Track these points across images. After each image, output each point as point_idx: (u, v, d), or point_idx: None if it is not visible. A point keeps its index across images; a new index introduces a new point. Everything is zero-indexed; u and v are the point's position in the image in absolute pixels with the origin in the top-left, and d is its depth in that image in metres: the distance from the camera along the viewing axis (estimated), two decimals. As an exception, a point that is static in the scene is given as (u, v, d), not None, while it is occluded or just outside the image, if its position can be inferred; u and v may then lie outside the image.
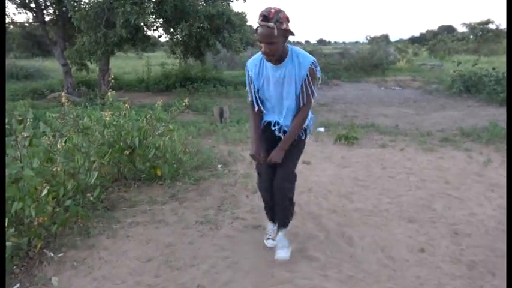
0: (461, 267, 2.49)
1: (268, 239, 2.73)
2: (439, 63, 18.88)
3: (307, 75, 2.25)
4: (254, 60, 2.40)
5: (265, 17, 2.06)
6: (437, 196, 3.63)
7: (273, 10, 2.07)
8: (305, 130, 2.52)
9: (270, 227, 2.76)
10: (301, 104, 2.35)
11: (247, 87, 2.49)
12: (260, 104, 2.48)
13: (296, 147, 2.48)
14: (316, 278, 2.38)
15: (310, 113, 2.52)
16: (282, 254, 2.56)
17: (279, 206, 2.57)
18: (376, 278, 2.39)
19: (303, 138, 2.53)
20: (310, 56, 2.30)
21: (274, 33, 2.07)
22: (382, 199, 3.57)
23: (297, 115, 2.38)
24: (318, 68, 2.31)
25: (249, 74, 2.43)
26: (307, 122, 2.50)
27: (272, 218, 2.73)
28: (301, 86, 2.28)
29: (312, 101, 2.38)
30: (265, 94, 2.44)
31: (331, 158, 4.90)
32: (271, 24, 2.05)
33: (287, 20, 2.13)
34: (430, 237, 2.87)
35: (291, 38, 2.33)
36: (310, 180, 4.07)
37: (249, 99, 2.51)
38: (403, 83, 13.36)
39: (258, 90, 2.45)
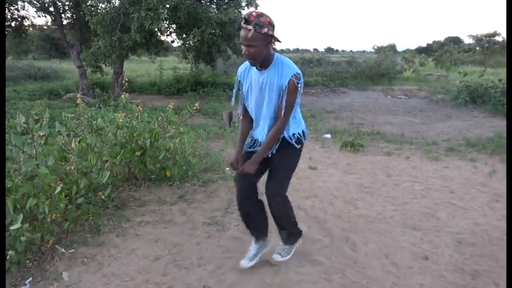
0: (465, 276, 2.50)
1: (245, 257, 2.56)
2: (445, 74, 18.87)
3: (285, 87, 2.17)
4: (243, 66, 2.39)
5: (245, 19, 2.06)
6: (442, 205, 3.65)
7: (254, 13, 2.06)
8: (299, 141, 2.39)
9: (252, 244, 2.61)
10: (280, 115, 2.24)
11: (235, 94, 2.47)
12: (245, 111, 2.45)
13: (286, 159, 2.37)
14: (320, 282, 2.41)
15: (302, 123, 2.43)
16: (277, 257, 2.59)
17: (275, 221, 2.54)
18: (380, 284, 2.40)
19: (297, 147, 2.40)
20: (296, 67, 2.21)
21: (253, 36, 2.05)
22: (386, 206, 3.60)
23: (273, 126, 2.28)
24: (301, 81, 2.20)
25: (238, 79, 2.41)
26: (299, 131, 2.39)
27: (254, 234, 2.61)
28: (281, 96, 2.21)
29: (290, 114, 2.24)
30: (248, 101, 2.40)
31: (337, 164, 4.94)
32: (249, 26, 2.04)
33: (270, 24, 2.08)
34: (434, 246, 2.88)
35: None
36: (316, 185, 4.12)
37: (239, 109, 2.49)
38: (409, 92, 13.38)
39: (244, 97, 2.42)
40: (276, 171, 2.39)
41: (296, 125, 2.38)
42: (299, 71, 2.21)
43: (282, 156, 2.37)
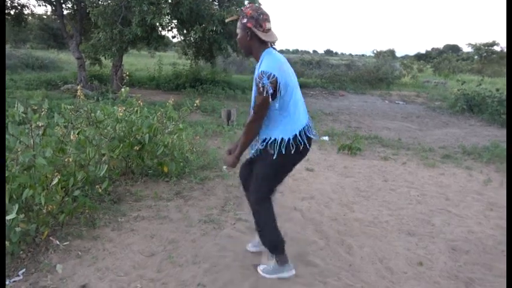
0: (459, 284, 2.50)
1: (250, 242, 2.76)
2: (443, 81, 18.99)
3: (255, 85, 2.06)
4: None
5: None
6: (437, 211, 3.66)
7: (247, 4, 2.13)
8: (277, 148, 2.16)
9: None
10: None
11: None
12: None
13: (264, 164, 2.23)
14: (315, 284, 2.40)
15: (287, 127, 2.15)
16: (260, 269, 2.48)
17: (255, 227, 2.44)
18: (374, 288, 2.40)
19: (274, 155, 2.17)
20: (268, 65, 2.04)
21: (237, 22, 2.12)
22: (382, 211, 3.61)
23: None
24: (264, 81, 2.00)
25: None
26: (275, 136, 2.16)
27: None
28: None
29: (260, 115, 2.08)
30: None
31: (334, 167, 4.95)
32: (235, 15, 2.13)
33: (251, 17, 2.05)
34: (428, 252, 2.88)
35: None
36: (313, 187, 4.12)
37: None
38: (407, 98, 13.45)
39: None
40: (254, 177, 2.31)
41: (274, 129, 2.16)
42: (267, 70, 2.01)
43: (258, 163, 2.28)
